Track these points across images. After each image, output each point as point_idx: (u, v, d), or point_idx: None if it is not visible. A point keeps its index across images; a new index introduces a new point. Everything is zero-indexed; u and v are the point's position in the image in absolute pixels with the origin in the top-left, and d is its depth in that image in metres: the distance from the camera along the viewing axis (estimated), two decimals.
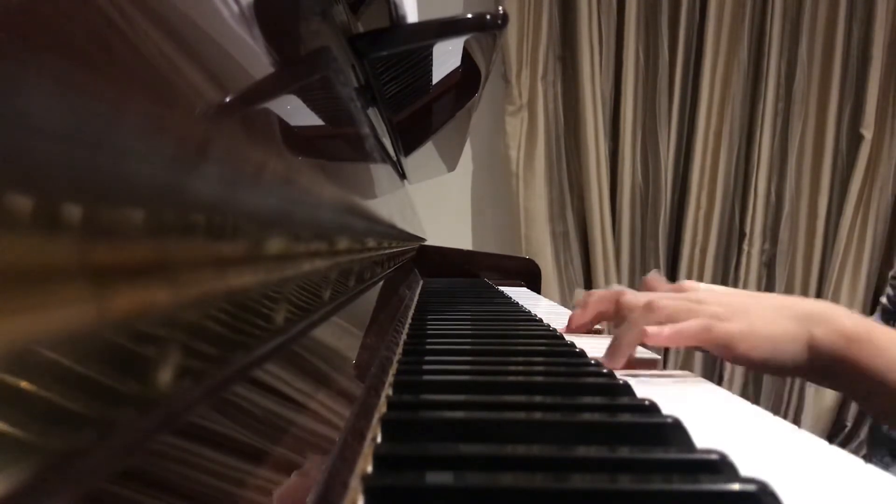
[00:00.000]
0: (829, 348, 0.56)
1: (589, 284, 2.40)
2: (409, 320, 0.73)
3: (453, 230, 2.40)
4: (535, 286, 1.51)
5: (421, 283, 1.31)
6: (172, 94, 0.17)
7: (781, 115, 2.47)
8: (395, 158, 0.93)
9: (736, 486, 0.27)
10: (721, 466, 0.30)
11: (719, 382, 2.21)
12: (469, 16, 0.76)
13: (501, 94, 2.35)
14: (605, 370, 0.49)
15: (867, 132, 2.45)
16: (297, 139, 0.32)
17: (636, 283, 2.44)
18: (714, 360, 2.38)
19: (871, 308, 2.43)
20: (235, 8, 0.26)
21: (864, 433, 2.35)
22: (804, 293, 2.51)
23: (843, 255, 2.47)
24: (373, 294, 0.64)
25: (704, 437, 0.34)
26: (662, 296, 0.61)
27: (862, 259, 2.47)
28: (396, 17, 0.69)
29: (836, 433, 2.45)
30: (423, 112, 0.92)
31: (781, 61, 2.45)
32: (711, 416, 0.42)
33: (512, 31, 2.30)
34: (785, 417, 0.43)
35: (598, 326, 0.77)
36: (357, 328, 0.50)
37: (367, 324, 0.55)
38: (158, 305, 0.15)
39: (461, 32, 0.76)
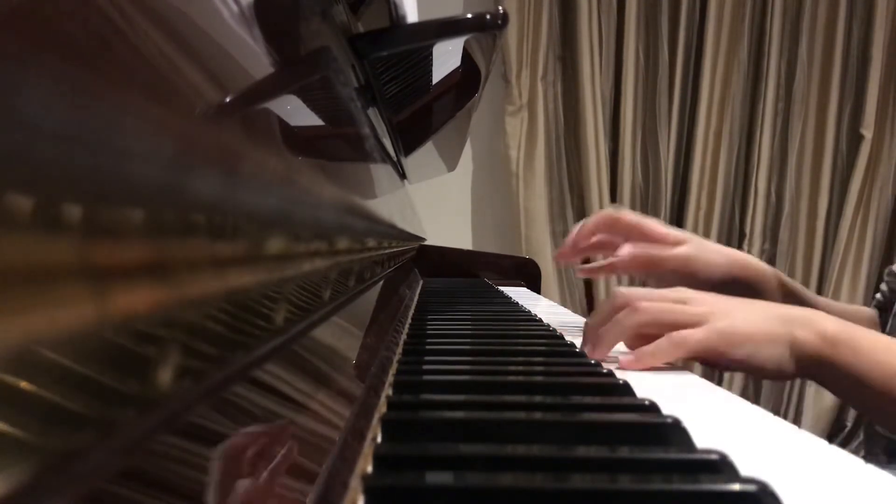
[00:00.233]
0: (812, 350, 0.56)
1: (589, 284, 2.40)
2: (409, 320, 0.73)
3: (453, 230, 2.40)
4: (535, 286, 1.51)
5: (421, 282, 1.31)
6: (172, 93, 0.17)
7: (781, 115, 2.47)
8: (395, 158, 0.93)
9: (736, 487, 0.27)
10: (721, 466, 0.30)
11: (719, 382, 2.21)
12: (469, 16, 0.76)
13: (501, 94, 2.35)
14: (605, 370, 0.49)
15: (867, 132, 2.45)
16: (297, 139, 0.32)
17: (636, 283, 2.44)
18: None
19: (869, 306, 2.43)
20: (235, 8, 0.26)
21: (863, 433, 2.35)
22: None
23: (843, 255, 2.47)
24: (373, 294, 0.64)
25: (704, 437, 0.34)
26: (648, 294, 0.61)
27: (862, 259, 2.47)
28: (396, 17, 0.69)
29: (836, 433, 2.45)
30: (423, 112, 0.92)
31: (781, 61, 2.45)
32: (711, 417, 0.42)
33: (512, 31, 2.30)
34: (785, 417, 0.43)
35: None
36: (357, 328, 0.50)
37: (367, 324, 0.55)
38: (158, 305, 0.15)
39: (461, 32, 0.76)
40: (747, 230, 2.48)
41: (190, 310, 0.18)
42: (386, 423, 0.34)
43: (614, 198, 2.41)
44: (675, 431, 0.34)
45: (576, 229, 0.83)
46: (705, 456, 0.30)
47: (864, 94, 2.45)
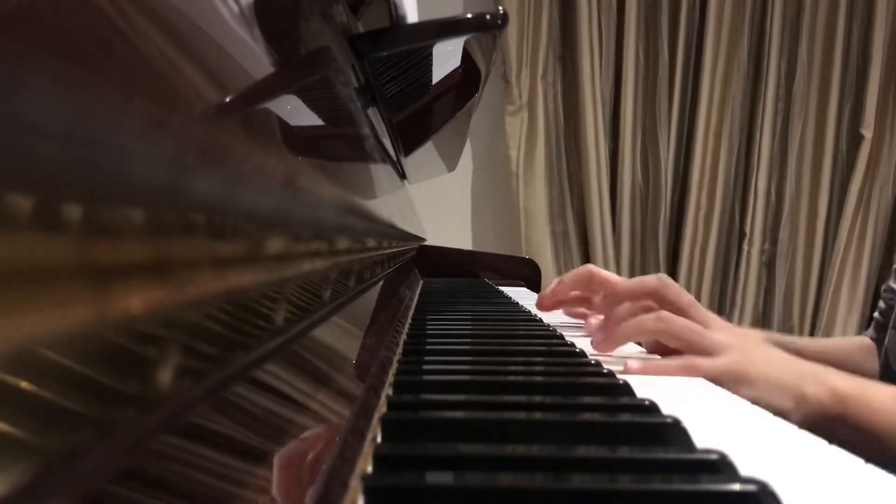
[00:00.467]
0: (822, 407, 0.56)
1: None
2: (409, 320, 0.73)
3: (453, 230, 2.40)
4: (535, 286, 1.51)
5: (421, 282, 1.31)
6: (172, 93, 0.17)
7: (781, 115, 2.47)
8: (395, 158, 0.93)
9: (736, 487, 0.27)
10: (721, 466, 0.30)
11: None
12: (469, 16, 0.76)
13: (501, 94, 2.35)
14: (605, 370, 0.49)
15: (867, 132, 2.45)
16: (297, 139, 0.32)
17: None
18: None
19: (870, 312, 2.43)
20: (235, 8, 0.26)
21: None
22: (804, 293, 2.51)
23: (843, 255, 2.47)
24: (373, 294, 0.64)
25: (704, 437, 0.34)
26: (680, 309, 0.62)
27: (862, 259, 2.47)
28: (396, 17, 0.69)
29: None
30: (423, 112, 0.92)
31: (781, 61, 2.45)
32: (711, 417, 0.42)
33: (512, 31, 2.30)
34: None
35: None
36: (357, 328, 0.50)
37: (367, 324, 0.55)
38: (158, 305, 0.15)
39: (461, 32, 0.76)
40: (747, 230, 2.48)
41: (190, 310, 0.18)
42: (386, 423, 0.34)
43: (614, 198, 2.41)
44: (674, 431, 0.34)
45: (555, 282, 0.83)
46: (705, 456, 0.30)
47: (864, 94, 2.45)
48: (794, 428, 0.40)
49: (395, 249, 0.87)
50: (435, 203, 2.14)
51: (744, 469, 0.29)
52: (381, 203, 0.64)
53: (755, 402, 0.56)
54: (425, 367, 0.50)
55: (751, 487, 0.27)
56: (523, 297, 1.20)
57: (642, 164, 2.44)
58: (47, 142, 0.11)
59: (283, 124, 0.29)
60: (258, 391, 0.25)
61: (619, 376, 0.47)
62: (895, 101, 2.48)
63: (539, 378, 0.51)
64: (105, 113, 0.13)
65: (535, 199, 2.36)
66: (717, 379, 0.56)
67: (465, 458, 0.30)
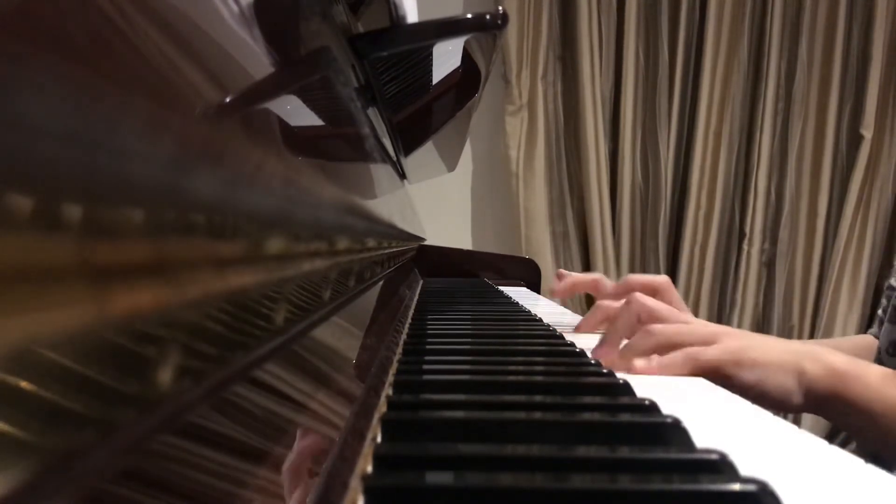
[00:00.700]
0: (820, 383, 0.57)
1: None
2: (409, 320, 0.73)
3: (453, 230, 2.40)
4: (535, 286, 1.51)
5: (421, 282, 1.31)
6: (172, 93, 0.17)
7: (781, 115, 2.47)
8: (395, 158, 0.93)
9: (736, 486, 0.27)
10: (721, 466, 0.30)
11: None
12: (469, 16, 0.76)
13: (501, 94, 2.35)
14: (605, 370, 0.49)
15: (867, 132, 2.45)
16: (297, 139, 0.32)
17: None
18: None
19: (871, 312, 2.43)
20: (235, 8, 0.26)
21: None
22: (804, 293, 2.51)
23: (843, 255, 2.47)
24: (373, 294, 0.64)
25: (704, 437, 0.34)
26: (668, 313, 0.63)
27: (862, 259, 2.47)
28: (396, 18, 0.69)
29: (836, 433, 2.45)
30: (423, 112, 0.92)
31: (781, 61, 2.44)
32: (711, 416, 0.42)
33: (512, 31, 2.30)
34: (785, 418, 0.44)
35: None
36: (357, 328, 0.50)
37: (367, 324, 0.55)
38: (158, 305, 0.15)
39: (461, 32, 0.76)
40: (747, 230, 2.48)
41: (190, 310, 0.18)
42: (386, 423, 0.34)
43: (614, 198, 2.41)
44: (674, 431, 0.34)
45: (576, 276, 0.83)
46: (705, 456, 0.30)
47: (864, 94, 2.45)
48: (794, 428, 0.40)
49: (394, 249, 0.87)
50: (435, 203, 2.14)
51: (744, 469, 0.29)
52: (380, 203, 0.64)
53: (759, 384, 0.57)
54: (425, 366, 0.50)
55: (751, 487, 0.27)
56: (523, 297, 1.20)
57: (642, 164, 2.44)
58: (47, 142, 0.11)
59: (283, 124, 0.29)
60: (258, 391, 0.25)
61: (618, 376, 0.47)
62: (895, 101, 2.48)
63: (539, 378, 0.51)
64: (105, 113, 0.13)
65: (535, 199, 2.36)
66: (720, 365, 0.57)
67: (465, 458, 0.30)
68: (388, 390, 0.41)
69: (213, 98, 0.21)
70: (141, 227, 0.14)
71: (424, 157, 1.06)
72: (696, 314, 0.85)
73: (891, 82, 2.46)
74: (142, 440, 0.15)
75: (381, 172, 0.69)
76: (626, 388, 0.44)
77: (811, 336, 2.47)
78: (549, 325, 0.75)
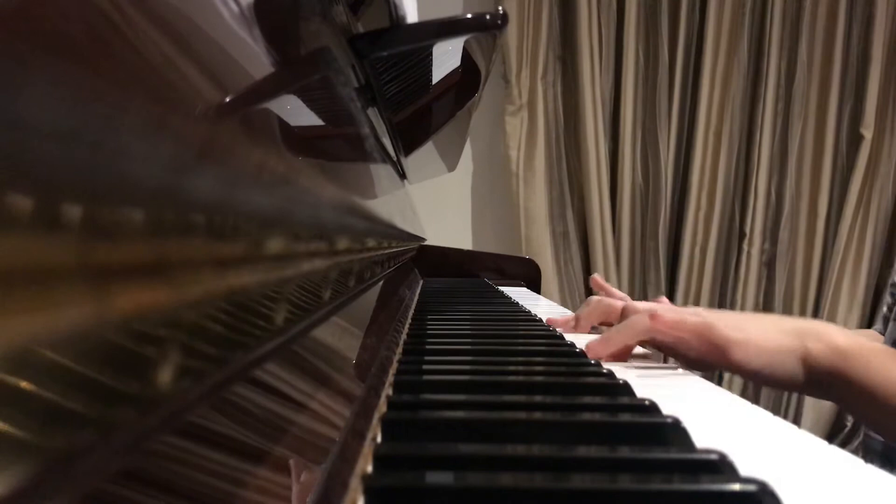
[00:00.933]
0: (824, 363, 0.57)
1: (589, 284, 2.40)
2: (409, 320, 0.73)
3: (453, 230, 2.40)
4: (535, 286, 1.51)
5: (421, 282, 1.31)
6: (172, 93, 0.17)
7: (781, 115, 2.47)
8: (395, 158, 0.93)
9: (736, 486, 0.27)
10: (721, 466, 0.30)
11: (719, 382, 2.21)
12: (469, 16, 0.76)
13: (501, 94, 2.35)
14: (605, 370, 0.49)
15: (867, 132, 2.45)
16: (297, 139, 0.32)
17: (636, 283, 2.44)
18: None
19: (871, 312, 2.43)
20: (235, 8, 0.26)
21: (862, 434, 2.35)
22: (804, 293, 2.51)
23: (843, 255, 2.47)
24: (373, 294, 0.64)
25: (704, 437, 0.34)
26: (666, 308, 0.64)
27: (862, 259, 2.47)
28: (396, 17, 0.69)
29: (835, 433, 2.45)
30: (423, 112, 0.92)
31: (781, 61, 2.44)
32: (711, 416, 0.42)
33: (512, 31, 2.30)
34: (785, 417, 0.44)
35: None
36: (357, 328, 0.50)
37: (368, 324, 0.55)
38: (158, 305, 0.15)
39: (461, 32, 0.76)
40: (747, 230, 2.48)
41: (190, 310, 0.18)
42: (386, 423, 0.34)
43: (614, 198, 2.41)
44: (675, 431, 0.34)
45: (584, 309, 0.83)
46: (705, 456, 0.30)
47: (864, 94, 2.45)
48: (794, 428, 0.40)
49: (395, 249, 0.87)
50: (435, 203, 2.14)
51: (744, 469, 0.29)
52: (381, 203, 0.64)
53: (765, 368, 0.57)
54: (425, 366, 0.50)
55: (751, 487, 0.27)
56: (523, 297, 1.20)
57: (642, 164, 2.44)
58: (47, 142, 0.11)
59: (283, 124, 0.29)
60: (258, 391, 0.25)
61: (619, 376, 0.47)
62: (895, 101, 2.48)
63: (539, 378, 0.51)
64: (105, 113, 0.13)
65: (535, 199, 2.36)
66: (726, 347, 0.57)
67: (465, 458, 0.30)
68: (388, 390, 0.41)
69: (213, 98, 0.21)
70: (141, 227, 0.14)
71: (424, 157, 1.06)
72: None
73: (891, 82, 2.46)
74: (142, 440, 0.15)
75: (381, 172, 0.69)
76: (626, 389, 0.44)
77: None
78: (549, 326, 0.75)
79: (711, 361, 0.59)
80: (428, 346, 0.58)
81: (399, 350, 0.54)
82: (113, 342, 0.14)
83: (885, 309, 0.95)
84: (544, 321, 0.78)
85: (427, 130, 0.97)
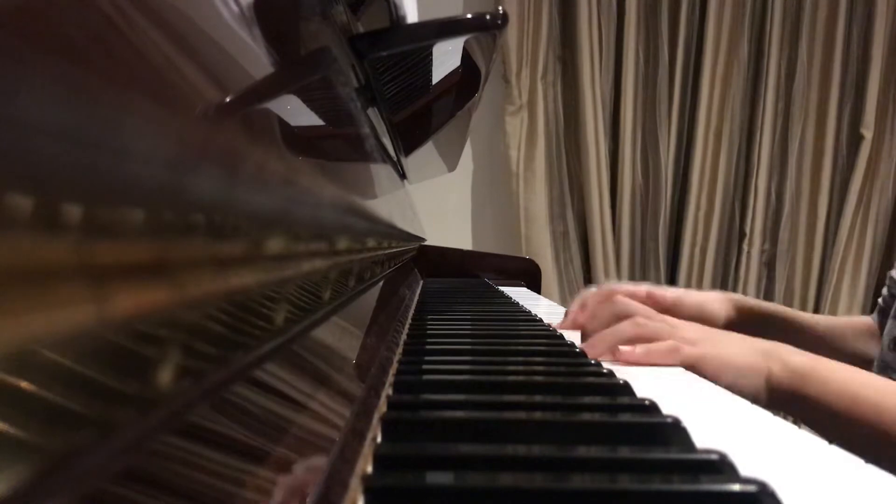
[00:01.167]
0: (785, 383, 0.61)
1: (589, 284, 2.40)
2: (410, 320, 0.73)
3: (453, 230, 2.40)
4: (535, 286, 1.51)
5: (421, 283, 1.31)
6: (172, 94, 0.17)
7: (781, 115, 2.47)
8: (395, 158, 0.93)
9: (736, 487, 0.27)
10: (721, 466, 0.30)
11: None
12: (469, 16, 0.76)
13: (501, 94, 2.35)
14: (605, 370, 0.49)
15: (867, 132, 2.45)
16: (297, 139, 0.32)
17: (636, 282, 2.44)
18: None
19: (871, 312, 2.42)
20: (235, 8, 0.26)
21: None
22: (804, 293, 2.51)
23: (843, 255, 2.47)
24: (373, 294, 0.64)
25: (704, 437, 0.34)
26: (645, 311, 0.67)
27: (862, 259, 2.47)
28: (396, 18, 0.69)
29: None
30: (423, 112, 0.92)
31: (781, 61, 2.44)
32: (711, 416, 0.42)
33: (512, 31, 2.30)
34: (785, 417, 0.44)
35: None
36: (357, 328, 0.50)
37: (368, 324, 0.55)
38: (158, 305, 0.15)
39: (461, 32, 0.76)
40: (747, 230, 2.48)
41: (190, 310, 0.18)
42: (386, 423, 0.34)
43: (614, 198, 2.41)
44: (675, 431, 0.34)
45: (575, 304, 0.84)
46: (705, 456, 0.30)
47: (864, 94, 2.45)
48: (794, 428, 0.40)
49: (395, 249, 0.87)
50: (435, 203, 2.14)
51: (744, 469, 0.29)
52: (381, 203, 0.64)
53: (733, 385, 0.60)
54: (425, 367, 0.50)
55: (751, 487, 0.27)
56: (523, 297, 1.20)
57: (642, 164, 2.44)
58: (47, 142, 0.11)
59: (284, 124, 0.29)
60: (258, 391, 0.25)
61: (618, 376, 0.47)
62: (895, 101, 2.48)
63: (539, 378, 0.51)
64: (105, 113, 0.13)
65: (535, 199, 2.36)
66: (701, 363, 0.61)
67: (465, 458, 0.30)
68: (388, 390, 0.41)
69: (213, 98, 0.21)
70: (141, 227, 0.14)
71: (424, 157, 1.06)
72: None
73: (891, 82, 2.46)
74: (141, 440, 0.15)
75: (382, 172, 0.69)
76: (626, 389, 0.44)
77: None
78: (549, 325, 0.75)
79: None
80: (428, 347, 0.58)
81: (399, 350, 0.54)
82: (113, 342, 0.14)
83: (880, 300, 0.96)
84: (545, 321, 0.78)
85: (427, 130, 0.97)
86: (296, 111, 0.33)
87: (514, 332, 0.72)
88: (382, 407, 0.37)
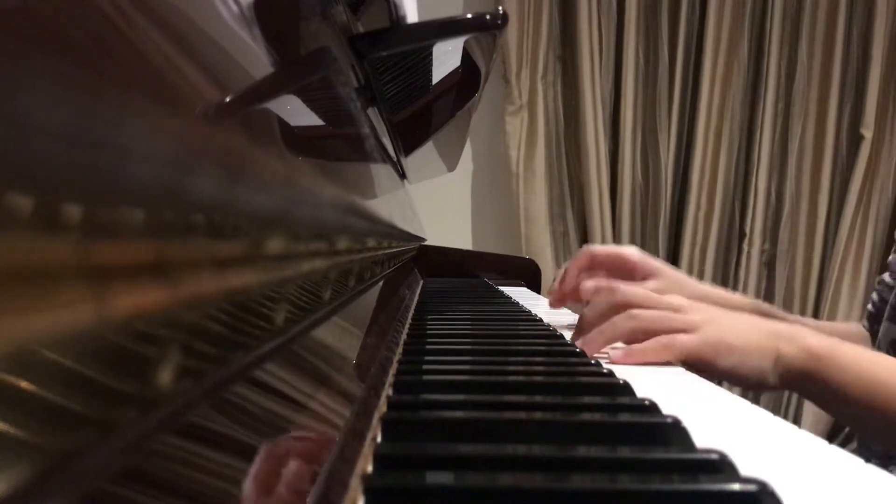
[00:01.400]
0: (797, 364, 0.59)
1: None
2: (410, 320, 0.73)
3: (453, 230, 2.40)
4: (536, 286, 1.51)
5: (421, 282, 1.31)
6: (172, 93, 0.17)
7: (781, 115, 2.47)
8: (395, 158, 0.93)
9: (736, 486, 0.27)
10: (721, 466, 0.30)
11: (719, 382, 2.20)
12: (469, 16, 0.76)
13: (501, 94, 2.35)
14: (605, 370, 0.49)
15: (867, 132, 2.45)
16: (298, 139, 0.32)
17: None
18: None
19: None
20: (235, 8, 0.26)
21: (856, 439, 2.35)
22: (804, 293, 2.51)
23: (843, 255, 2.47)
24: (373, 294, 0.64)
25: (704, 436, 0.34)
26: (646, 298, 0.64)
27: (862, 259, 2.47)
28: (396, 18, 0.69)
29: (836, 433, 2.45)
30: (423, 112, 0.92)
31: (781, 61, 2.44)
32: (711, 416, 0.42)
33: (512, 31, 2.30)
34: (785, 417, 0.44)
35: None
36: (357, 328, 0.50)
37: (368, 324, 0.55)
38: (158, 305, 0.15)
39: (461, 32, 0.76)
40: (747, 230, 2.48)
41: (190, 310, 0.18)
42: (386, 423, 0.34)
43: (614, 198, 2.41)
44: (675, 431, 0.34)
45: (559, 274, 0.85)
46: (705, 456, 0.30)
47: (864, 94, 2.45)
48: (794, 428, 0.40)
49: (395, 249, 0.87)
50: (435, 203, 2.14)
51: (744, 469, 0.29)
52: (381, 203, 0.64)
53: (736, 368, 0.59)
54: (425, 367, 0.50)
55: (751, 487, 0.27)
56: (523, 297, 1.20)
57: (642, 164, 2.44)
58: (47, 142, 0.11)
59: (284, 124, 0.29)
60: (258, 391, 0.25)
61: (618, 376, 0.47)
62: (895, 101, 2.48)
63: (539, 378, 0.51)
64: (105, 113, 0.13)
65: (535, 199, 2.36)
66: (698, 354, 0.59)
67: (465, 458, 0.30)
68: (388, 390, 0.41)
69: (213, 98, 0.21)
70: (141, 227, 0.14)
71: (424, 156, 1.06)
72: None
73: (891, 82, 2.46)
74: (141, 440, 0.15)
75: (382, 172, 0.69)
76: (626, 388, 0.44)
77: None
78: (549, 325, 0.75)
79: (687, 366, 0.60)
80: (428, 346, 0.58)
81: (399, 350, 0.54)
82: (113, 342, 0.14)
83: (870, 306, 0.95)
84: (545, 321, 0.78)
85: (427, 130, 0.98)
86: (296, 111, 0.33)
87: (514, 332, 0.72)
88: (382, 407, 0.37)
